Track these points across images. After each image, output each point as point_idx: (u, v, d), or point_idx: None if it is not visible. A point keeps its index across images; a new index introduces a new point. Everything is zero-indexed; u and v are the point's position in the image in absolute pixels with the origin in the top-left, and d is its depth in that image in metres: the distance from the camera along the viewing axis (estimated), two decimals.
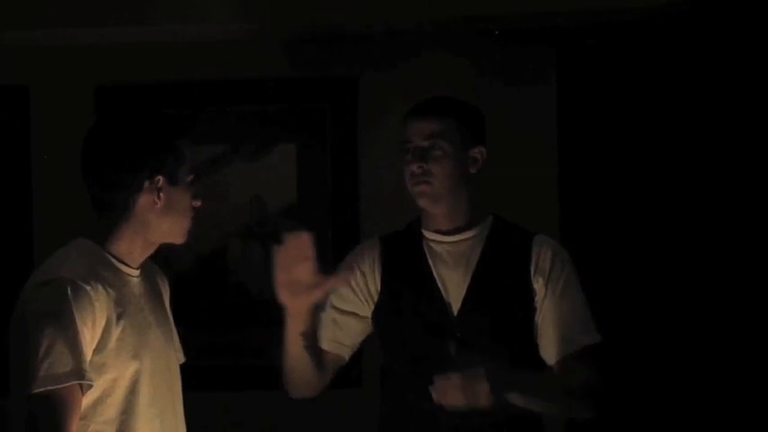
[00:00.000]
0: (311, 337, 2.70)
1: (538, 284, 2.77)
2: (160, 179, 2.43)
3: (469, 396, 2.54)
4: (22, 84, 4.12)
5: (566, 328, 2.74)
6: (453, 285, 2.79)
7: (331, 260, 3.89)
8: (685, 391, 3.97)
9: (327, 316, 2.83)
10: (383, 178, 4.01)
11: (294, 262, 2.56)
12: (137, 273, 2.48)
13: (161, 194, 2.43)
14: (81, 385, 2.29)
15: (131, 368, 2.39)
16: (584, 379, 2.72)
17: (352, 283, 2.83)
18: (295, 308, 2.62)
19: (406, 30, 4.00)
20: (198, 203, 2.51)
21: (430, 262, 2.79)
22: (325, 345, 2.82)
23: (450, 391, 2.56)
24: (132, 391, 2.40)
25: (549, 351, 2.76)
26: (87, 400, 2.33)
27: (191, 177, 2.49)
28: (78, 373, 2.27)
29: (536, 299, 2.77)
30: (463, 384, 2.55)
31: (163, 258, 2.48)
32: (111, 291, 2.38)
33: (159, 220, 2.45)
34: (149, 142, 2.43)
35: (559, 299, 2.76)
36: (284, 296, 2.59)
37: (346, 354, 2.86)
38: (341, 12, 3.85)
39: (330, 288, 2.66)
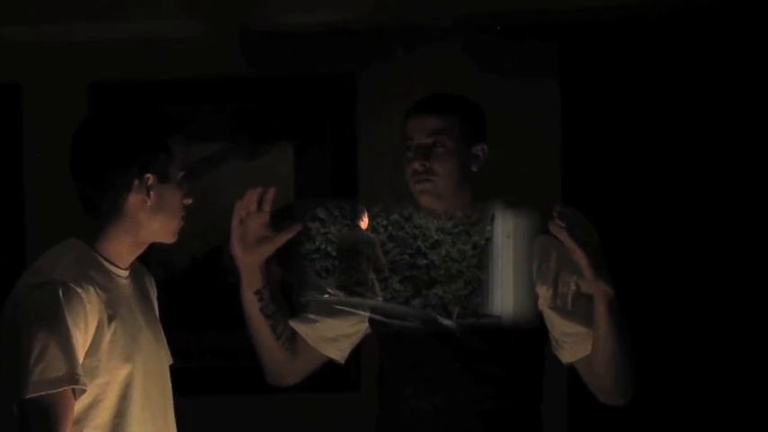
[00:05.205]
0: (266, 299, 2.73)
1: (541, 288, 2.72)
2: (150, 177, 2.41)
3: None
4: (14, 81, 4.10)
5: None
6: None
7: None
8: (685, 388, 3.97)
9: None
10: (383, 177, 3.98)
11: (250, 214, 2.64)
12: (126, 273, 2.46)
13: (151, 193, 2.41)
14: (74, 390, 2.27)
15: (124, 371, 2.37)
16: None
17: None
18: (246, 261, 2.67)
19: (406, 27, 3.98)
20: (189, 202, 2.49)
21: None
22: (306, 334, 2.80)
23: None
24: (125, 395, 2.38)
25: (568, 350, 2.71)
26: (80, 404, 2.31)
27: (181, 175, 2.47)
28: (72, 377, 2.26)
29: (539, 301, 2.72)
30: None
31: (158, 259, 2.47)
32: (102, 293, 2.35)
33: (150, 219, 2.43)
34: (138, 140, 2.41)
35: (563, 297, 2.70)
36: (237, 249, 2.66)
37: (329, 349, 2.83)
38: (340, 9, 3.83)
39: (281, 243, 2.65)
